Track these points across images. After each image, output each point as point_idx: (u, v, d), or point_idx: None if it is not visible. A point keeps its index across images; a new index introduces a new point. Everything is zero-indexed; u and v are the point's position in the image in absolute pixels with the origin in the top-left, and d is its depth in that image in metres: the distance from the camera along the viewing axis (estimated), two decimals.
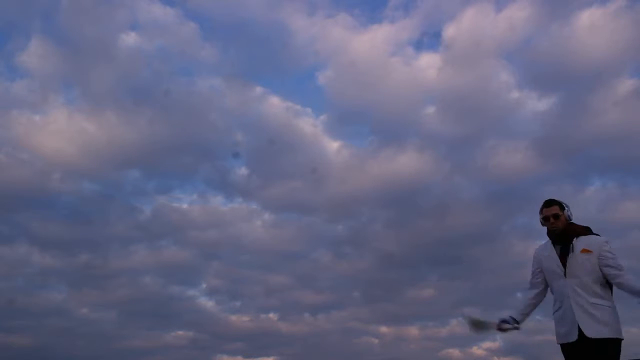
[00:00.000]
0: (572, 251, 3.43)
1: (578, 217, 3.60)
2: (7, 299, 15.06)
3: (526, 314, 3.71)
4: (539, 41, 17.54)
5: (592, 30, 16.05)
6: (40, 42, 17.42)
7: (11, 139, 17.26)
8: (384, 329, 16.41)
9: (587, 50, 15.95)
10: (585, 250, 3.40)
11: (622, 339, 3.35)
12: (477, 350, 14.54)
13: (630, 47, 15.93)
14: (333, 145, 18.44)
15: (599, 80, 16.45)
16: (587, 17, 16.30)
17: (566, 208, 3.55)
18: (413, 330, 16.01)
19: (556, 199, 3.59)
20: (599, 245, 3.40)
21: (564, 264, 3.44)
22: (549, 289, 3.64)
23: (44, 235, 16.51)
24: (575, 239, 3.45)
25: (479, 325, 3.73)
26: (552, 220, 3.51)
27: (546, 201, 3.58)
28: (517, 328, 3.67)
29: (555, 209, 3.51)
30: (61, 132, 17.02)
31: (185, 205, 18.29)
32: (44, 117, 17.52)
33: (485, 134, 17.88)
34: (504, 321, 3.68)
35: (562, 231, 3.50)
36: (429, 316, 16.33)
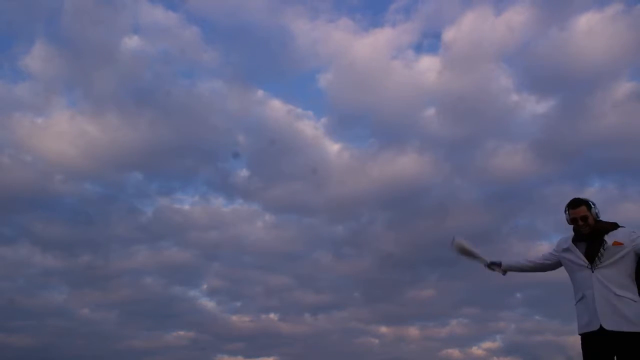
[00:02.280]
0: (604, 245, 3.38)
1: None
2: (9, 299, 15.15)
3: (513, 267, 3.86)
4: (537, 45, 17.69)
5: (590, 34, 16.20)
6: (43, 45, 17.54)
7: (14, 141, 17.37)
8: (384, 329, 16.50)
9: (585, 53, 16.10)
10: (616, 243, 3.36)
11: None
12: (477, 350, 14.65)
13: (628, 50, 16.08)
14: (334, 148, 18.56)
15: (597, 83, 16.60)
16: (585, 21, 16.45)
17: (593, 207, 3.48)
18: (413, 331, 16.11)
19: (582, 197, 3.53)
20: (628, 235, 3.39)
21: (590, 257, 3.41)
22: (546, 272, 3.77)
23: (45, 236, 16.59)
24: (606, 235, 3.42)
25: (466, 253, 3.77)
26: (580, 222, 3.47)
27: (573, 201, 3.52)
28: (503, 273, 3.82)
29: (583, 210, 3.46)
30: (63, 134, 17.12)
31: (186, 207, 18.39)
32: (47, 120, 17.62)
33: (485, 136, 18.01)
34: (494, 263, 3.82)
35: (592, 231, 3.46)
36: (429, 316, 16.43)
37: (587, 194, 16.43)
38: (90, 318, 16.10)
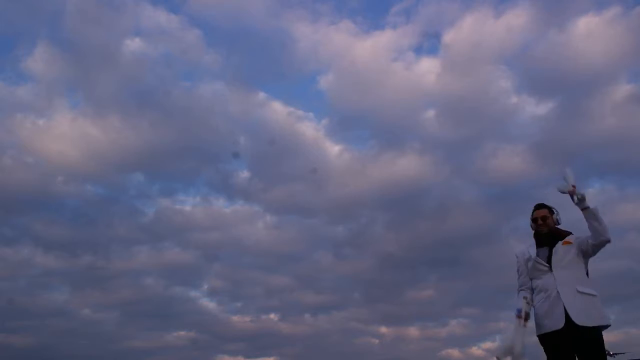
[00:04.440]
0: (556, 247, 3.63)
1: (577, 218, 3.74)
2: (10, 299, 15.22)
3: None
4: (536, 47, 17.82)
5: (588, 36, 16.37)
6: (46, 48, 17.68)
7: (16, 143, 17.52)
8: (384, 329, 16.62)
9: (584, 56, 16.25)
10: (566, 242, 3.64)
11: (609, 325, 3.49)
12: (476, 350, 14.74)
13: (626, 53, 16.25)
14: (334, 149, 18.69)
15: (596, 85, 16.76)
16: (584, 24, 16.61)
17: (555, 212, 3.76)
18: (413, 331, 16.23)
19: (546, 203, 3.80)
20: (576, 236, 3.66)
21: (549, 261, 3.62)
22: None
23: (47, 237, 16.72)
24: (560, 242, 3.66)
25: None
26: (540, 222, 3.74)
27: (536, 205, 3.81)
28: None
29: (544, 212, 3.75)
30: (65, 136, 17.24)
31: (187, 208, 18.50)
32: (49, 121, 17.75)
33: (484, 138, 18.13)
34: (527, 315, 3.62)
35: (548, 233, 3.71)
36: (429, 316, 16.55)
37: (587, 195, 16.53)
38: (91, 318, 16.22)
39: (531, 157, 17.31)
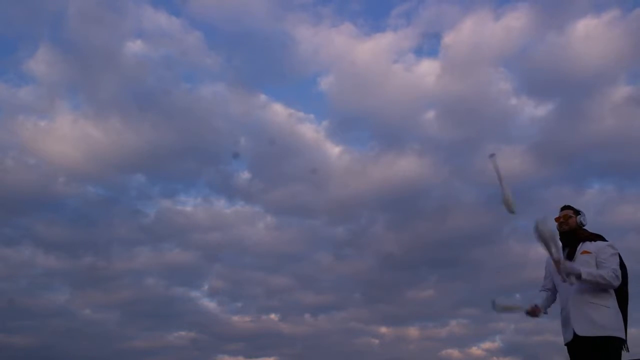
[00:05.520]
0: (575, 254, 3.54)
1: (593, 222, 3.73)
2: (11, 299, 15.27)
3: (548, 303, 3.78)
4: (536, 49, 17.83)
5: (587, 39, 16.37)
6: (48, 50, 17.65)
7: (17, 144, 17.49)
8: (384, 329, 16.63)
9: (583, 58, 16.26)
10: (585, 252, 3.52)
11: (622, 339, 3.36)
12: (476, 350, 14.78)
13: (624, 55, 16.24)
14: (335, 150, 18.68)
15: (594, 87, 16.75)
16: (583, 26, 16.62)
17: (580, 214, 3.68)
18: (413, 331, 16.24)
19: (573, 205, 3.75)
20: (601, 246, 3.52)
21: None
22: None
23: (48, 238, 16.72)
24: (581, 243, 3.58)
25: (507, 309, 3.78)
26: (561, 220, 3.69)
27: (562, 206, 3.77)
28: (545, 313, 3.74)
29: (566, 212, 3.69)
30: (67, 137, 17.23)
31: (188, 208, 18.51)
32: (50, 123, 17.73)
33: (484, 139, 18.13)
34: (534, 307, 3.69)
35: (569, 233, 3.64)
36: (429, 317, 16.55)
37: (587, 196, 16.54)
38: (92, 318, 16.24)
39: (531, 158, 17.34)
